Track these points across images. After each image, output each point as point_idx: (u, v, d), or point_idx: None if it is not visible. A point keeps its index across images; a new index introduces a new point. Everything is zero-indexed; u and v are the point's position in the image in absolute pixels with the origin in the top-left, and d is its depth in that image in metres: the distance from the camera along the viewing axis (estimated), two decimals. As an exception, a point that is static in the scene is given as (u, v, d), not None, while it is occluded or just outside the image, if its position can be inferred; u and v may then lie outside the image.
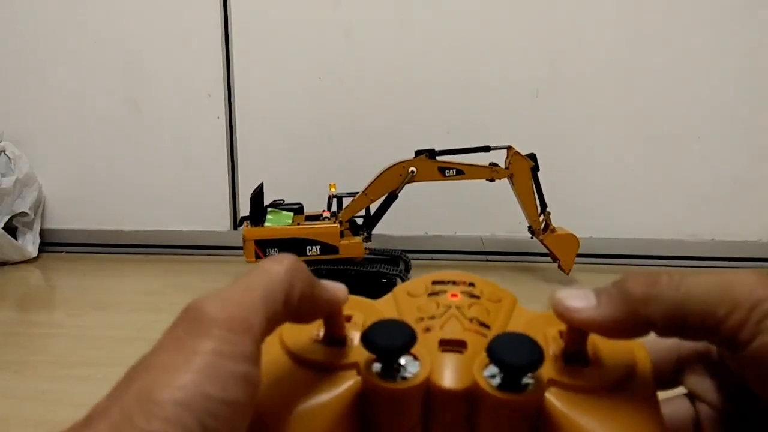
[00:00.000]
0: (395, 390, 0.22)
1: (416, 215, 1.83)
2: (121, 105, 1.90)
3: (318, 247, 1.44)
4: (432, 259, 1.83)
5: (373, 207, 1.51)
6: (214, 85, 1.84)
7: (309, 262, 1.43)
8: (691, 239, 1.74)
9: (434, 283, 0.27)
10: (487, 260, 1.81)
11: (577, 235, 1.49)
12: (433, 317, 0.25)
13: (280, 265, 0.21)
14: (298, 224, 1.48)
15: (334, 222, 1.46)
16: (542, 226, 1.50)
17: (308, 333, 0.25)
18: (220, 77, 1.84)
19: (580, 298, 0.22)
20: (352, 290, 0.24)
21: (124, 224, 1.96)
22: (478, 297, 0.26)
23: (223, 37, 1.81)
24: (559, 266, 1.53)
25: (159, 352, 0.18)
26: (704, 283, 0.21)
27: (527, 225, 1.51)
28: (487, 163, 1.46)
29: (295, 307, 0.21)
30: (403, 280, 1.44)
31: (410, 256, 1.83)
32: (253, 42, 1.81)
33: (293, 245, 1.44)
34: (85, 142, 1.93)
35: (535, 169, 1.45)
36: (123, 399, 0.17)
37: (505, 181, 1.49)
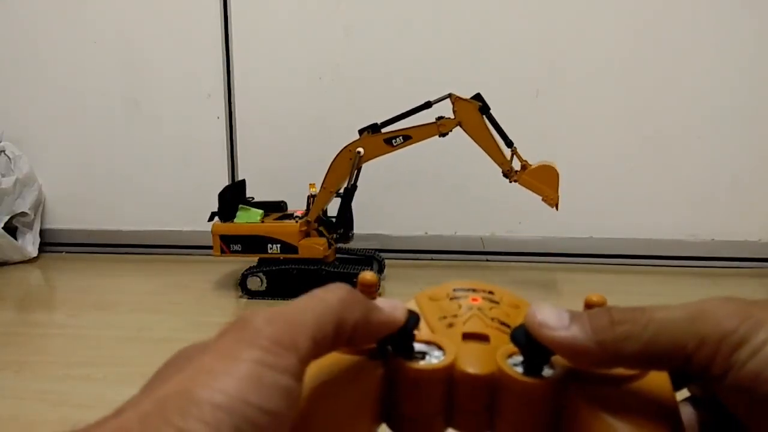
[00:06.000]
0: (420, 371, 0.22)
1: (416, 215, 1.83)
2: (120, 105, 1.90)
3: (278, 245, 1.45)
4: (432, 259, 1.83)
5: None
6: (214, 85, 1.84)
7: (279, 261, 1.47)
8: (691, 239, 1.74)
9: (455, 290, 0.27)
10: (487, 260, 1.81)
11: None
12: (455, 315, 0.26)
13: (333, 295, 0.21)
14: (263, 222, 1.50)
15: (297, 222, 1.47)
16: (516, 166, 1.40)
17: None
18: (220, 77, 1.84)
19: (553, 316, 0.21)
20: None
21: (124, 224, 1.96)
22: (497, 302, 0.27)
23: (223, 37, 1.81)
24: (544, 201, 1.41)
25: (203, 355, 0.18)
26: (673, 317, 0.20)
27: (501, 172, 1.41)
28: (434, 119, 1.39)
29: (348, 335, 0.21)
30: None
31: (411, 256, 1.84)
32: (254, 42, 1.81)
33: (255, 242, 1.46)
34: (85, 142, 1.93)
35: (484, 108, 1.37)
36: (157, 393, 0.17)
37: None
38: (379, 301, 0.23)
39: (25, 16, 1.87)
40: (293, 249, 1.45)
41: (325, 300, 0.21)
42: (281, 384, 0.17)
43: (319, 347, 0.20)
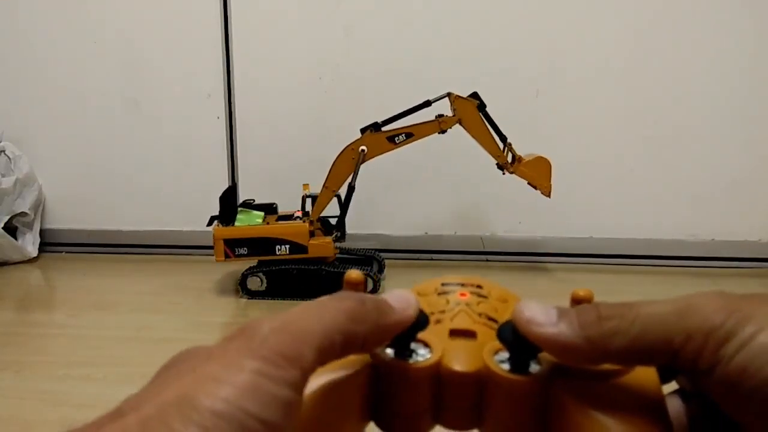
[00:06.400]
0: (407, 369, 0.22)
1: (416, 215, 1.83)
2: (120, 105, 1.90)
3: (287, 246, 1.44)
4: (432, 259, 1.83)
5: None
6: (214, 85, 1.84)
7: (279, 261, 1.46)
8: (691, 239, 1.74)
9: (443, 284, 0.28)
10: (487, 260, 1.81)
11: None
12: (443, 311, 0.26)
13: (343, 304, 0.21)
14: (267, 223, 1.48)
15: (305, 222, 1.47)
16: (509, 159, 1.48)
17: None
18: (220, 77, 1.84)
19: (541, 312, 0.21)
20: (324, 290, 0.24)
21: (124, 224, 1.96)
22: (485, 297, 0.27)
23: (223, 37, 1.81)
24: (536, 189, 1.50)
25: (207, 362, 0.18)
26: (660, 312, 0.20)
27: (495, 164, 1.49)
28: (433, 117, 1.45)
29: (360, 344, 0.21)
30: (374, 281, 1.44)
31: (411, 256, 1.84)
32: (253, 42, 1.81)
33: (262, 245, 1.45)
34: (84, 142, 1.93)
35: (482, 106, 1.44)
36: (159, 398, 0.17)
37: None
38: (391, 296, 0.23)
39: (25, 16, 1.87)
40: (303, 249, 1.44)
41: (334, 310, 0.21)
42: (280, 395, 0.17)
43: (326, 356, 0.20)
